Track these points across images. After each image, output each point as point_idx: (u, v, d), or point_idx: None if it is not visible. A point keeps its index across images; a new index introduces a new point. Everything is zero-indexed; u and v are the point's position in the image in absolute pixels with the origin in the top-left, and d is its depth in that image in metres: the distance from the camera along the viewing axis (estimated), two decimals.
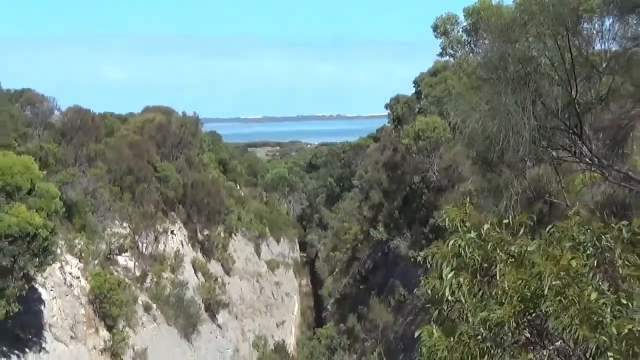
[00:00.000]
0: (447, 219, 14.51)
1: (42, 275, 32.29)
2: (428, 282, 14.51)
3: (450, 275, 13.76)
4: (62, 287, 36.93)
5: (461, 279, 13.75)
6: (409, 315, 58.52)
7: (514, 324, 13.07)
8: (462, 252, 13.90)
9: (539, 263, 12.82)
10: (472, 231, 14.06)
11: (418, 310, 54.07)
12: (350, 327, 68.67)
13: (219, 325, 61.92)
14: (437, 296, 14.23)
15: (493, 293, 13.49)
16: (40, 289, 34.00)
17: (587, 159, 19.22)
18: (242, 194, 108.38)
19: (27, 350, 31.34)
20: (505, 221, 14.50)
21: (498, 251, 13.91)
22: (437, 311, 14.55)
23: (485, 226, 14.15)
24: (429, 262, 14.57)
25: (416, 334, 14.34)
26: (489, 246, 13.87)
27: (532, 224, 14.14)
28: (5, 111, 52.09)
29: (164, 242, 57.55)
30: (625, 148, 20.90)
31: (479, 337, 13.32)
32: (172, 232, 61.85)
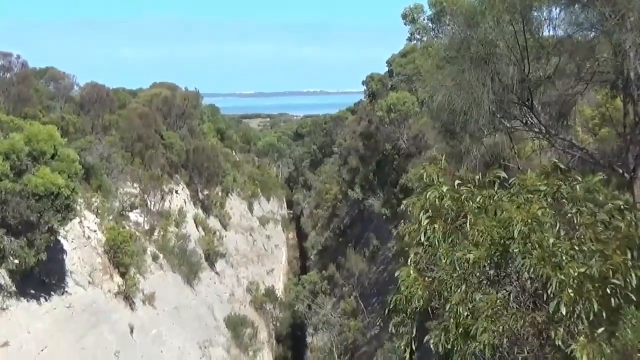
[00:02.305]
0: (424, 174, 14.64)
1: (64, 229, 32.22)
2: (406, 228, 14.67)
3: (425, 222, 13.91)
4: (81, 239, 36.94)
5: (436, 226, 13.92)
6: (382, 265, 58.86)
7: (486, 264, 13.29)
8: (437, 203, 14.05)
9: (510, 211, 12.99)
10: (444, 186, 14.22)
11: (389, 260, 54.40)
12: (331, 274, 68.99)
13: (217, 273, 62.12)
14: (414, 241, 14.39)
15: (463, 238, 13.67)
16: (63, 241, 33.99)
17: (536, 129, 19.32)
18: (237, 159, 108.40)
19: (52, 293, 31.41)
20: (476, 177, 14.68)
21: (469, 202, 14.08)
22: (412, 254, 14.71)
23: (457, 182, 14.30)
24: (409, 211, 14.72)
25: (396, 274, 14.50)
26: (461, 198, 14.04)
27: (501, 179, 14.31)
28: (31, 86, 51.78)
29: (169, 201, 57.52)
30: (569, 120, 21.06)
31: (454, 274, 13.50)
32: (176, 191, 61.82)
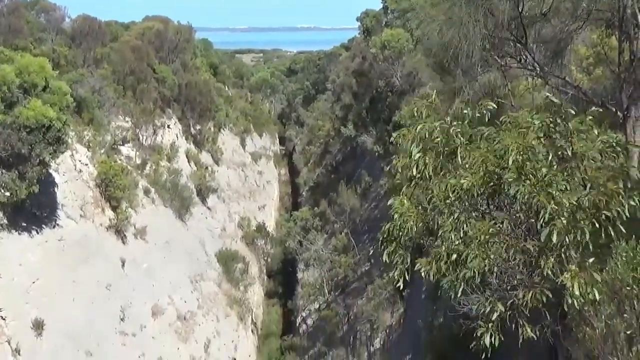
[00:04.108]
0: (415, 109, 14.60)
1: (55, 162, 32.14)
2: (399, 161, 14.70)
3: (417, 155, 13.92)
4: (72, 172, 36.86)
5: (427, 158, 13.94)
6: (373, 201, 59.09)
7: (479, 192, 13.35)
8: (428, 136, 14.05)
9: (506, 140, 13.01)
10: (436, 121, 14.20)
11: (381, 197, 54.58)
12: (322, 211, 69.19)
13: (208, 208, 62.29)
14: (406, 173, 14.44)
15: (455, 170, 13.73)
16: (54, 174, 33.93)
17: (530, 67, 19.17)
18: (230, 94, 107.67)
19: (43, 226, 31.47)
20: (465, 111, 14.65)
21: (460, 137, 14.08)
22: (405, 186, 14.76)
23: (448, 118, 14.28)
24: (398, 144, 14.71)
25: (389, 202, 14.59)
26: (451, 132, 14.03)
27: (493, 109, 14.27)
28: (22, 17, 51.10)
29: (161, 135, 57.33)
30: (563, 59, 20.91)
31: (447, 202, 13.56)
32: (168, 126, 61.57)
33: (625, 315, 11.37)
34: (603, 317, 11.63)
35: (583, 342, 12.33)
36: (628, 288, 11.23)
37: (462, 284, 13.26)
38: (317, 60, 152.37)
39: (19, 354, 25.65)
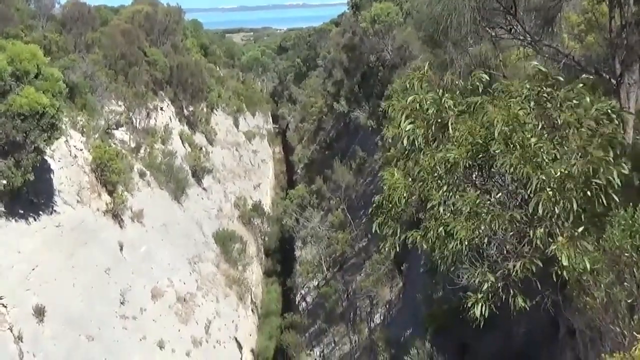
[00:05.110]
0: (406, 80, 14.57)
1: (50, 149, 32.06)
2: (389, 130, 14.69)
3: (409, 127, 13.90)
4: (68, 158, 36.79)
5: (417, 130, 13.93)
6: (368, 177, 59.15)
7: (467, 164, 13.35)
8: (419, 107, 14.03)
9: (491, 111, 13.00)
10: (428, 93, 14.17)
11: (376, 172, 54.60)
12: (318, 187, 69.27)
13: (204, 189, 62.31)
14: (397, 144, 14.44)
15: (446, 142, 13.72)
16: (50, 160, 33.87)
17: (521, 37, 19.09)
18: (222, 74, 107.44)
19: (40, 213, 31.45)
20: (459, 82, 14.63)
21: (452, 108, 14.07)
22: (395, 160, 14.76)
23: (439, 90, 14.25)
24: (387, 113, 14.71)
25: (380, 174, 14.60)
26: (443, 103, 14.00)
27: (485, 80, 14.25)
28: (12, 5, 50.80)
29: (154, 118, 57.25)
30: (554, 27, 20.83)
31: (435, 174, 13.57)
32: (161, 108, 61.47)
33: (625, 283, 11.38)
34: (603, 286, 11.63)
35: (584, 312, 12.37)
36: (627, 255, 11.24)
37: (452, 255, 13.33)
38: (308, 37, 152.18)
39: (21, 341, 25.73)
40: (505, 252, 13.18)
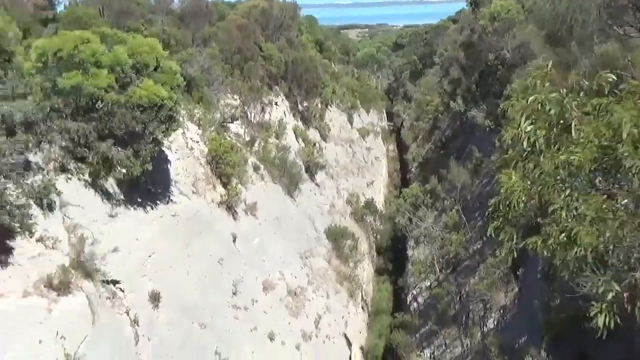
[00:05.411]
0: (529, 84, 14.27)
1: (168, 140, 33.10)
2: (507, 131, 14.40)
3: (529, 128, 13.63)
4: (184, 150, 37.89)
5: (538, 131, 13.63)
6: (485, 178, 58.27)
7: (592, 167, 12.98)
8: (540, 107, 13.72)
9: (619, 112, 12.59)
10: (551, 93, 13.85)
11: (492, 174, 53.77)
12: (432, 187, 68.66)
13: (317, 184, 62.88)
14: (516, 146, 14.17)
15: (569, 144, 13.36)
16: (167, 151, 34.96)
17: None
18: (336, 70, 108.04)
19: (157, 202, 32.53)
20: (584, 83, 14.24)
21: (574, 108, 13.70)
22: (514, 162, 14.51)
23: (563, 90, 13.94)
24: (506, 112, 14.44)
25: (496, 177, 14.36)
26: (566, 103, 13.66)
27: (612, 81, 13.84)
28: (133, 0, 52.75)
29: (269, 112, 58.17)
30: None
31: (557, 178, 13.26)
32: (275, 103, 62.39)
33: None
34: None
35: None
36: None
37: (574, 263, 12.95)
38: (424, 34, 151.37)
39: (137, 325, 26.69)
40: (632, 261, 12.76)
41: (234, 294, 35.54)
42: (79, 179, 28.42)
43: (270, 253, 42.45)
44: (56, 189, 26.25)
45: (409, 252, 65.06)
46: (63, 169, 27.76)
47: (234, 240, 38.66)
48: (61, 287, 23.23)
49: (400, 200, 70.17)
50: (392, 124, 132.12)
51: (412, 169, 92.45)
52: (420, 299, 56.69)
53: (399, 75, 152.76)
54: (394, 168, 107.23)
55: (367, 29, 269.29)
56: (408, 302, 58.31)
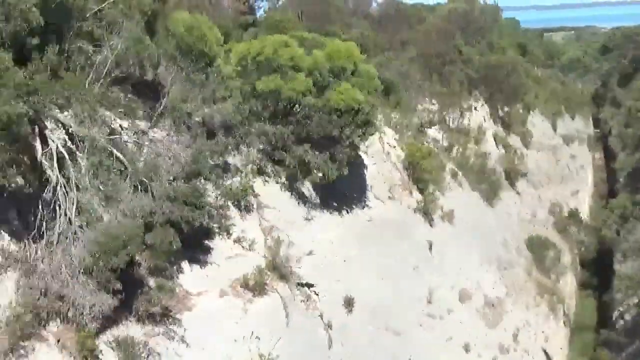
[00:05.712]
0: None
1: (364, 144, 33.37)
2: None
3: None
4: (380, 154, 37.98)
5: None
6: None
7: None
8: None
9: None
10: None
11: None
12: None
13: (517, 192, 61.29)
14: None
15: None
16: (363, 156, 35.21)
17: None
18: (539, 74, 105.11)
19: (352, 206, 32.83)
20: None
21: None
22: None
23: None
24: None
25: None
26: None
27: None
28: (332, 4, 53.71)
29: (467, 118, 57.39)
30: None
31: None
32: (475, 108, 61.45)
33: None
34: None
35: None
36: None
37: None
38: (636, 37, 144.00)
39: (330, 329, 26.96)
40: None
41: (429, 302, 35.17)
42: (276, 181, 29.21)
43: (467, 262, 41.66)
44: (253, 191, 27.08)
45: (616, 267, 61.94)
46: (260, 172, 28.60)
47: (430, 248, 38.25)
48: (257, 288, 23.88)
49: (607, 211, 66.99)
50: (598, 130, 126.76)
51: (620, 179, 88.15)
52: (627, 316, 53.88)
53: (607, 79, 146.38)
54: (600, 177, 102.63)
55: (573, 32, 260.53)
56: (614, 319, 55.57)
